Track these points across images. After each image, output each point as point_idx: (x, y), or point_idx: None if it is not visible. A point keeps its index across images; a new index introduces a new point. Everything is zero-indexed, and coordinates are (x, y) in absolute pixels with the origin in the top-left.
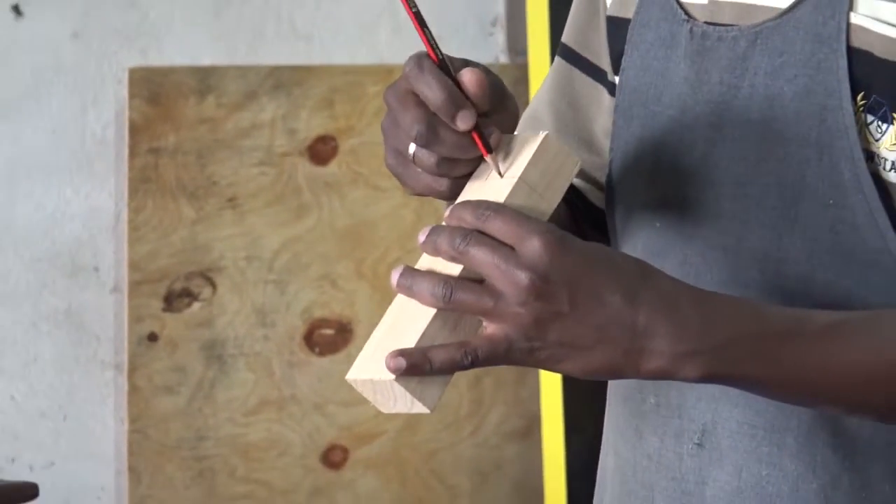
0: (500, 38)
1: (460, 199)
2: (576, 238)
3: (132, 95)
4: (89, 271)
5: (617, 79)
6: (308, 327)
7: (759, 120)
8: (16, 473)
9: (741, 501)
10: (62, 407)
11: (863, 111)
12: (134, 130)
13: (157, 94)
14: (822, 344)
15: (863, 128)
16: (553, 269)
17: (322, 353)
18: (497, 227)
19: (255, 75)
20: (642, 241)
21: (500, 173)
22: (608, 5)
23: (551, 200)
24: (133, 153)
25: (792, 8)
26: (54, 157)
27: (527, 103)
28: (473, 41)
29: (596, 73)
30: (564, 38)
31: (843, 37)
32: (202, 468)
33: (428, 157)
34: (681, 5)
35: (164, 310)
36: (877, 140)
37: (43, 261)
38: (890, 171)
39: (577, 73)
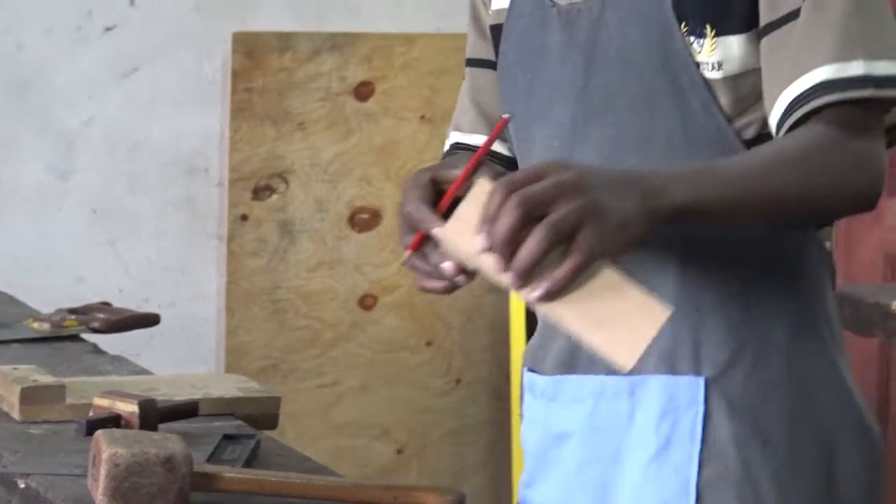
0: None
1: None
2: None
3: (234, 51)
4: (202, 171)
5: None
6: (351, 212)
7: (616, 55)
8: (148, 309)
9: None
10: (180, 264)
11: (686, 35)
12: (234, 76)
13: (251, 51)
14: (739, 163)
15: (688, 47)
16: (575, 172)
17: (360, 231)
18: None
19: (318, 38)
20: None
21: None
22: (490, 16)
23: None
24: (234, 91)
25: None
26: (180, 93)
27: None
28: None
29: (490, 65)
30: (466, 55)
31: None
32: (276, 308)
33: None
34: None
35: (253, 199)
36: (698, 53)
37: (170, 164)
38: (711, 70)
39: (477, 70)
